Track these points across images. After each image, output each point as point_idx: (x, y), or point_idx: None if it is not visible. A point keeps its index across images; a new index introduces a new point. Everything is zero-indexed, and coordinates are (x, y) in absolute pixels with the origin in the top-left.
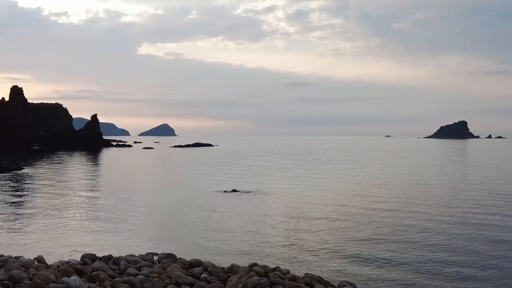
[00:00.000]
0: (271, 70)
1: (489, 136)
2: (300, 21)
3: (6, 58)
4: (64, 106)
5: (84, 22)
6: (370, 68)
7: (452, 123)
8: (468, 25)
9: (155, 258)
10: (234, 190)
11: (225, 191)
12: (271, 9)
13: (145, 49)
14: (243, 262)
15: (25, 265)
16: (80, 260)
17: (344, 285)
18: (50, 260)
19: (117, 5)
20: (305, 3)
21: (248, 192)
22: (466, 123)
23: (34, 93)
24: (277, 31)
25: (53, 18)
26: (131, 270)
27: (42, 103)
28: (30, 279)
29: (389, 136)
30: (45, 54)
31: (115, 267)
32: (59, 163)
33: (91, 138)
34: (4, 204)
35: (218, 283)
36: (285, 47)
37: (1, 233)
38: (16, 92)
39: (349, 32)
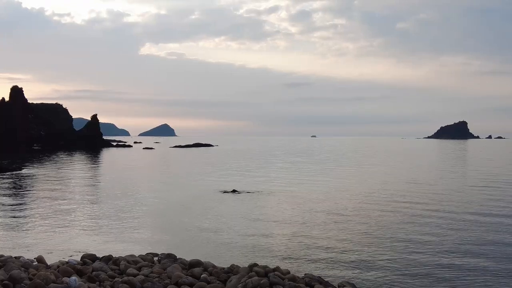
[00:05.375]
0: (273, 70)
1: (489, 137)
2: (303, 21)
3: (7, 58)
4: (64, 106)
5: (87, 22)
6: (372, 68)
7: (452, 123)
8: (470, 26)
9: (155, 258)
10: (234, 191)
11: (225, 191)
12: (274, 9)
13: (148, 49)
14: (243, 262)
15: (25, 265)
16: (80, 260)
17: (344, 286)
18: (50, 260)
19: (120, 5)
20: (308, 3)
21: (248, 192)
22: (466, 123)
23: (34, 93)
24: (280, 32)
25: (56, 18)
26: (131, 270)
27: (42, 103)
28: (30, 279)
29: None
30: (46, 54)
31: (115, 267)
32: (59, 163)
33: (91, 138)
34: (4, 204)
35: (218, 283)
36: (288, 47)
37: (1, 233)
38: (16, 92)
39: (352, 32)
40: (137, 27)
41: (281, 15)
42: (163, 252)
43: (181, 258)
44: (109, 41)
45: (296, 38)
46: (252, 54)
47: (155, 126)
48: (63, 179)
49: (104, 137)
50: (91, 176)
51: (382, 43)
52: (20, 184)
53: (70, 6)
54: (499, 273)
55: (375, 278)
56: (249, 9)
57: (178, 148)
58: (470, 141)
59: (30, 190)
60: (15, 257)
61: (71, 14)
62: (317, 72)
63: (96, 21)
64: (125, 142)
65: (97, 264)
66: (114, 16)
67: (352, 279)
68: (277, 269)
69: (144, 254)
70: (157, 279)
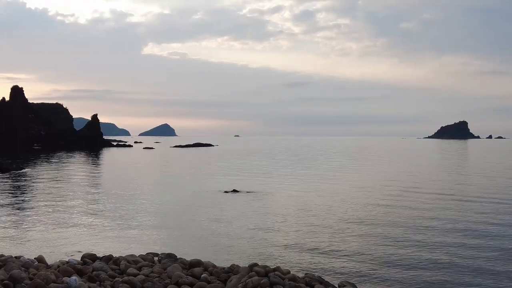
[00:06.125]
0: (276, 70)
1: (490, 137)
2: (306, 21)
3: (8, 58)
4: (64, 106)
5: (90, 22)
6: (374, 68)
7: (453, 123)
8: (471, 25)
9: (156, 258)
10: (234, 190)
11: (225, 191)
12: (277, 9)
13: (150, 49)
14: (243, 262)
15: (26, 265)
16: (81, 260)
17: (344, 285)
18: (50, 260)
19: (123, 5)
20: (311, 3)
21: (249, 192)
22: (467, 123)
23: (34, 93)
24: (283, 32)
25: (59, 18)
26: (132, 270)
27: (43, 103)
28: (31, 279)
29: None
30: (48, 54)
31: (115, 267)
32: (59, 163)
33: (92, 138)
34: (4, 204)
35: (218, 283)
36: (291, 47)
37: (2, 233)
38: (17, 92)
39: (356, 32)
40: (140, 27)
41: (284, 15)
42: (163, 252)
43: (182, 258)
44: (112, 41)
45: (299, 38)
46: (255, 54)
47: (155, 126)
48: (63, 179)
49: (105, 137)
50: (91, 176)
51: (386, 43)
52: (20, 184)
53: (73, 6)
54: (497, 275)
55: (375, 278)
56: (252, 9)
57: (178, 148)
58: (471, 141)
59: (30, 190)
60: (16, 257)
61: (75, 14)
62: (320, 72)
63: (99, 21)
64: (126, 142)
65: (97, 264)
66: (117, 16)
67: (353, 279)
68: (277, 269)
69: (144, 254)
70: (157, 279)
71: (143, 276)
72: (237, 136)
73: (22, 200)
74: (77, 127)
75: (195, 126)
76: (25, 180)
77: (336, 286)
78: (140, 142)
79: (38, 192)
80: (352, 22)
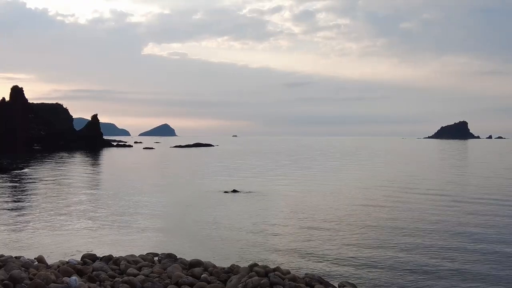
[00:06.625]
0: (276, 70)
1: (490, 137)
2: (306, 21)
3: (8, 58)
4: (64, 106)
5: (90, 22)
6: (374, 68)
7: (453, 123)
8: (471, 25)
9: (156, 258)
10: (234, 191)
11: (225, 192)
12: (277, 9)
13: (150, 49)
14: (243, 262)
15: (26, 265)
16: (81, 260)
17: (344, 286)
18: (50, 260)
19: (124, 5)
20: (311, 3)
21: (249, 192)
22: (467, 123)
23: (34, 93)
24: (283, 32)
25: (59, 18)
26: (132, 270)
27: (43, 103)
28: (31, 279)
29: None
30: (48, 54)
31: (115, 267)
32: (59, 163)
33: (91, 138)
34: (4, 204)
35: (218, 283)
36: (290, 47)
37: (2, 233)
38: (17, 92)
39: (355, 32)
40: (140, 27)
41: (284, 15)
42: (163, 252)
43: (182, 258)
44: (112, 41)
45: (299, 38)
46: (255, 54)
47: (155, 126)
48: (63, 179)
49: (105, 137)
50: (91, 176)
51: (386, 43)
52: (20, 184)
53: (73, 6)
54: (497, 277)
55: (375, 278)
56: (252, 9)
57: (178, 148)
58: (471, 141)
59: (30, 190)
60: (16, 257)
61: (75, 14)
62: (320, 72)
63: (99, 21)
64: (126, 142)
65: (97, 264)
66: (118, 16)
67: (353, 279)
68: (277, 269)
69: (144, 254)
70: (157, 279)
71: (143, 276)
72: (235, 136)
73: (22, 200)
74: (77, 127)
75: (195, 126)
76: (25, 180)
77: (336, 286)
78: (140, 142)
79: (38, 192)
80: (352, 22)
